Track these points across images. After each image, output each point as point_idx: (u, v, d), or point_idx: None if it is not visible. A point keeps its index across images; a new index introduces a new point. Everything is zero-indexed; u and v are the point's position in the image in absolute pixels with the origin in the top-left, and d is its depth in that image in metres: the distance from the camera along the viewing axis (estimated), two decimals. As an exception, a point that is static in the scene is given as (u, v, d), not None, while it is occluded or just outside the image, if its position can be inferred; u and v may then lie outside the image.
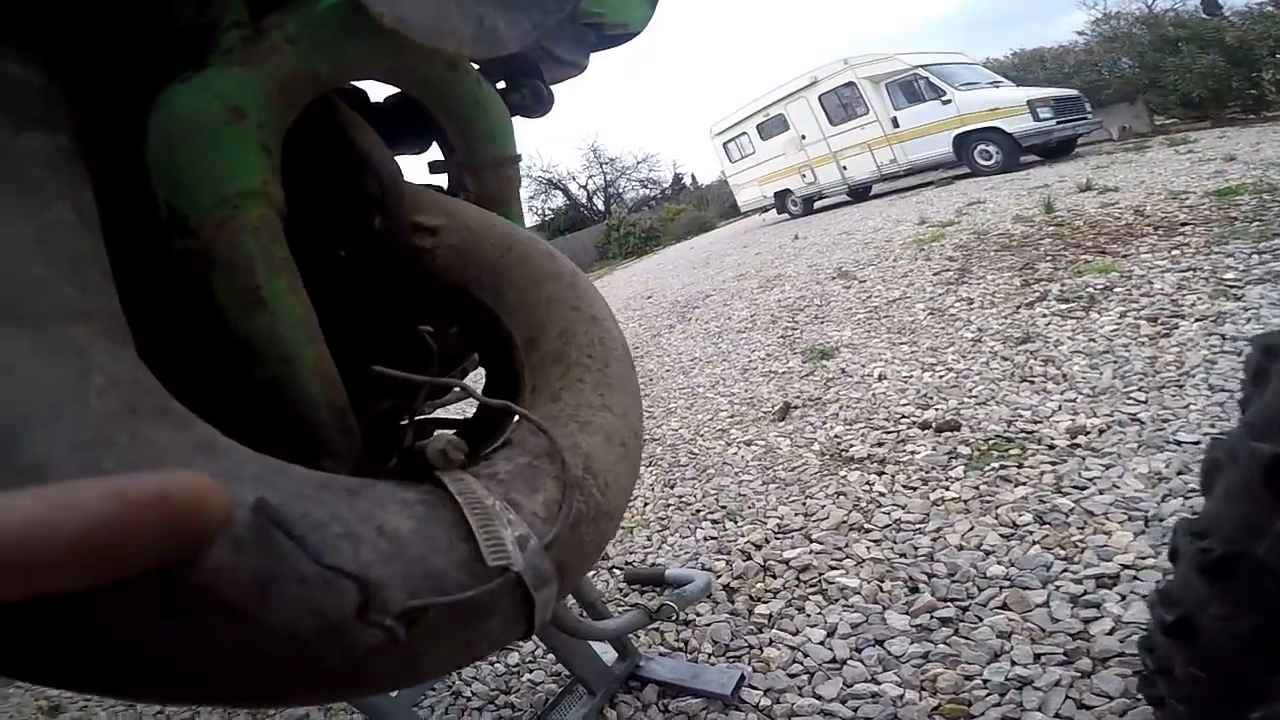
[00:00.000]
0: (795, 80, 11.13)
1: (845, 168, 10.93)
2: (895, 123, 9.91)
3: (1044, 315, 2.70)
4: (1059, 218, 4.46)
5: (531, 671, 1.50)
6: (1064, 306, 2.72)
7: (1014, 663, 1.10)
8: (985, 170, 8.83)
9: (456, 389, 0.59)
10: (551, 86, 0.77)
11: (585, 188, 28.69)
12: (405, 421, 0.58)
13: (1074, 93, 9.35)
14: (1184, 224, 3.46)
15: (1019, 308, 2.91)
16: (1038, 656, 1.09)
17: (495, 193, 0.67)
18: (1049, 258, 3.54)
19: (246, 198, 0.43)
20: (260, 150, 0.44)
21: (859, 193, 11.40)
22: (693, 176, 33.91)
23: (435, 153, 0.72)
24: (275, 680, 0.32)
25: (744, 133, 12.53)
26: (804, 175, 11.62)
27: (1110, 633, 1.09)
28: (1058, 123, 8.56)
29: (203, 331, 0.44)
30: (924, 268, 4.21)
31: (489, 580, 0.36)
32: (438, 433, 0.46)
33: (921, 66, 9.58)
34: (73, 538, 0.16)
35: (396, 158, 0.61)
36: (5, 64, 0.38)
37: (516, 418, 0.55)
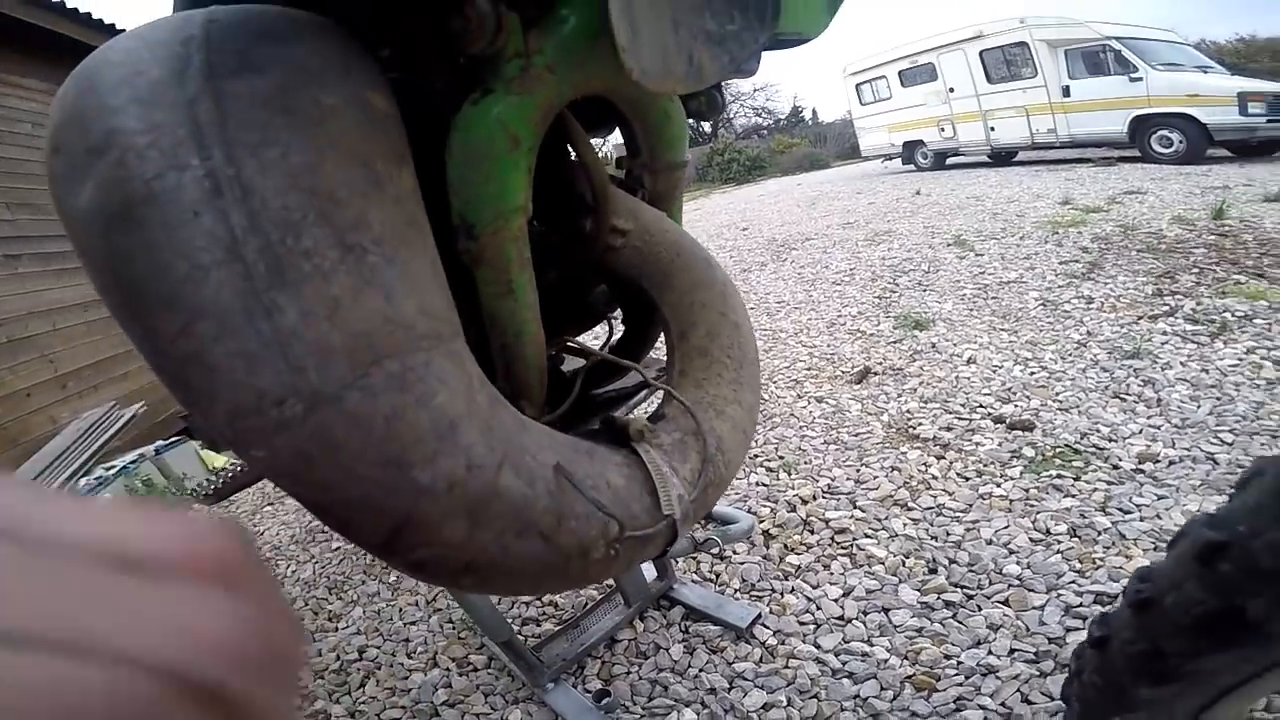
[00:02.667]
0: (957, 31, 10.23)
1: (993, 129, 10.12)
2: (1066, 91, 9.00)
3: (1164, 333, 2.54)
4: (1226, 227, 4.02)
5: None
6: (1190, 328, 2.54)
7: (990, 652, 1.19)
8: (1160, 158, 7.96)
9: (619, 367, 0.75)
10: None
11: (691, 108, 28.08)
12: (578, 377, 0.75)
13: None
14: (1376, 260, 3.04)
15: (1140, 319, 2.73)
16: (1011, 651, 1.18)
17: (666, 190, 0.77)
18: (1196, 269, 3.25)
19: (514, 213, 0.53)
20: (526, 172, 0.52)
21: (1002, 156, 10.57)
22: (814, 111, 32.22)
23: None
24: (548, 575, 0.49)
25: (883, 76, 11.73)
26: (942, 129, 10.85)
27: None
28: (1268, 120, 7.50)
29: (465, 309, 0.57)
30: (1051, 253, 3.95)
31: (659, 523, 0.52)
32: (635, 415, 0.60)
33: (1115, 38, 8.52)
34: None
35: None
36: (374, 97, 0.44)
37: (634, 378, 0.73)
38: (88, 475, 3.16)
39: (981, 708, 1.08)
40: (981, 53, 9.97)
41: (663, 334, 0.74)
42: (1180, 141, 7.89)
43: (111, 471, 3.21)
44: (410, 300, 0.41)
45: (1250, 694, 0.56)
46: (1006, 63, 9.75)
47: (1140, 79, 8.21)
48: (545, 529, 0.46)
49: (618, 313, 0.86)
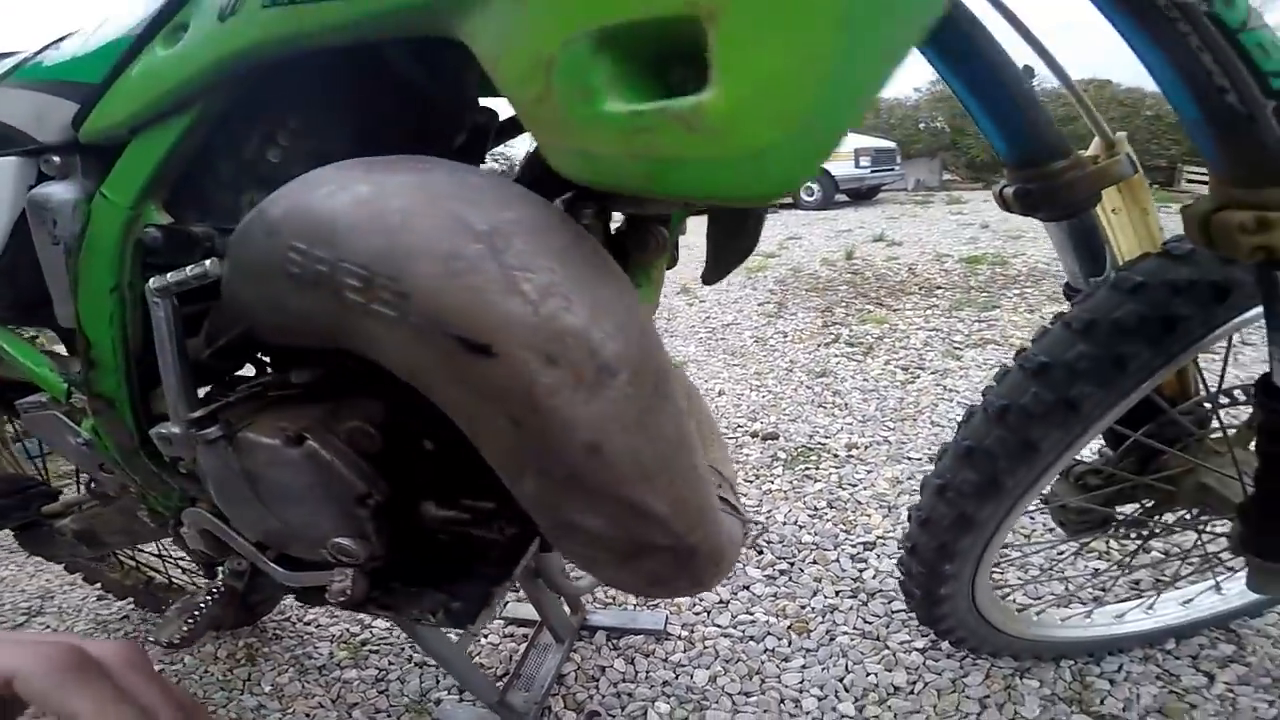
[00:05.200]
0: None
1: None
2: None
3: (836, 355, 3.32)
4: (855, 265, 4.99)
5: (487, 636, 1.61)
6: (850, 350, 3.35)
7: (825, 598, 1.64)
8: (806, 205, 9.40)
9: None
10: None
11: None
12: None
13: (892, 145, 10.51)
14: (939, 287, 4.13)
15: (819, 346, 3.47)
16: (837, 593, 1.65)
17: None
18: (844, 304, 4.11)
19: None
20: None
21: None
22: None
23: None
24: (723, 571, 0.56)
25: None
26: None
27: (874, 577, 1.68)
28: (872, 171, 9.67)
29: None
30: (750, 296, 4.56)
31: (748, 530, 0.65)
32: None
33: None
34: None
35: None
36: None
37: None
38: None
39: (846, 633, 1.52)
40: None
41: None
42: (819, 190, 9.25)
43: None
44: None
45: (1006, 526, 0.91)
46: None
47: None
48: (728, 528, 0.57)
49: None
